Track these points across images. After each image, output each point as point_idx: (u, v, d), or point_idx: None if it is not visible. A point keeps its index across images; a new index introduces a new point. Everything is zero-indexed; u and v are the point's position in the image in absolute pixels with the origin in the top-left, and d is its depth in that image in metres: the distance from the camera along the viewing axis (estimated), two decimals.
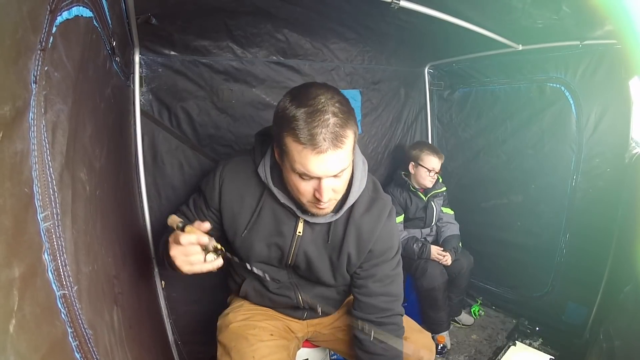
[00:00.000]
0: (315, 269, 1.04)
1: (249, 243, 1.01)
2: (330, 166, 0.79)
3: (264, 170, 0.96)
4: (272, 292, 1.11)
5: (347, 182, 0.90)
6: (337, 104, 0.79)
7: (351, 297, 1.23)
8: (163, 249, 0.90)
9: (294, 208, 0.96)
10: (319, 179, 0.81)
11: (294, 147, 0.79)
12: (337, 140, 0.77)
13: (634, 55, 1.36)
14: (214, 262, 0.80)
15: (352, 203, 0.97)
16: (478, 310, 2.20)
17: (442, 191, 2.09)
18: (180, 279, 1.49)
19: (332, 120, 0.76)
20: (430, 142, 2.43)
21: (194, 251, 0.78)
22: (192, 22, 1.29)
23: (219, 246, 0.80)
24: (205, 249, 0.79)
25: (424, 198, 2.01)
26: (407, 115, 2.29)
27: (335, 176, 0.82)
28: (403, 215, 2.01)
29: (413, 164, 1.96)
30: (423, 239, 2.07)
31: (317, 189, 0.83)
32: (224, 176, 1.00)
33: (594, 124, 1.69)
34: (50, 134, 0.43)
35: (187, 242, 0.77)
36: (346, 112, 0.80)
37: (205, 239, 0.78)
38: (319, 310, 1.07)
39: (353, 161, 0.92)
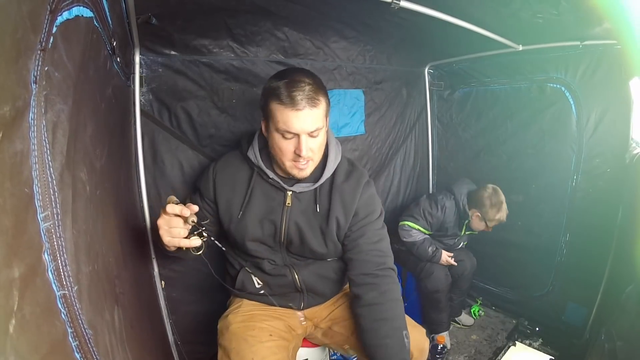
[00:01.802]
0: (307, 239, 1.12)
1: (243, 224, 1.10)
2: (306, 123, 0.95)
3: (254, 152, 1.10)
4: (268, 274, 1.16)
5: (323, 145, 1.05)
6: (311, 78, 0.97)
7: (346, 290, 1.29)
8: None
9: (281, 182, 1.09)
10: (298, 136, 0.96)
11: (277, 109, 0.95)
12: (311, 101, 0.94)
13: (633, 55, 1.37)
14: (192, 241, 0.88)
15: (331, 172, 1.11)
16: (478, 311, 2.20)
17: (475, 233, 2.04)
18: (180, 279, 1.49)
19: (307, 87, 0.94)
20: (430, 142, 2.43)
21: (176, 224, 0.86)
22: (192, 22, 1.29)
23: (201, 225, 0.89)
24: (192, 231, 0.88)
25: (461, 234, 2.01)
26: (410, 115, 2.28)
27: (311, 135, 0.97)
28: (428, 230, 1.95)
29: (479, 215, 1.87)
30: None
31: (297, 147, 0.97)
32: (217, 169, 1.14)
33: (594, 124, 1.69)
34: (51, 134, 0.43)
35: (171, 211, 0.85)
36: (319, 85, 0.98)
37: (187, 212, 0.86)
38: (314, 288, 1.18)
39: (327, 135, 1.09)
